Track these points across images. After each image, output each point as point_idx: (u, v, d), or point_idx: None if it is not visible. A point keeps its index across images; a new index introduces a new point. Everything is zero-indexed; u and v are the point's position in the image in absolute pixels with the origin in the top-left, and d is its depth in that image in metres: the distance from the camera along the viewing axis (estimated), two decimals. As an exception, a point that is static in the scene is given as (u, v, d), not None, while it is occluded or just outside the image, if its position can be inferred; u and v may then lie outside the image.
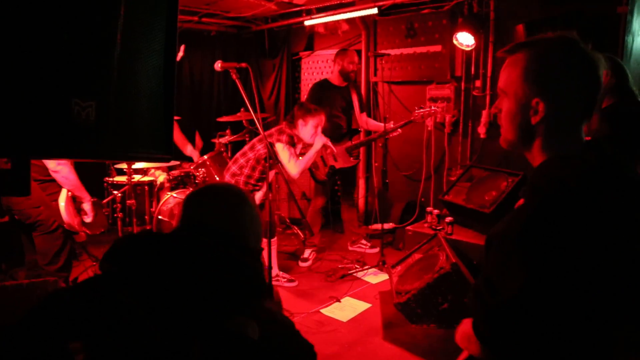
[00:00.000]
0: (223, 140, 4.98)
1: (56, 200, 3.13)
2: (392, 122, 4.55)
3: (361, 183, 5.74)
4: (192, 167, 4.64)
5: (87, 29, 0.94)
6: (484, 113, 4.70)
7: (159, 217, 4.46)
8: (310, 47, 6.37)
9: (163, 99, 1.12)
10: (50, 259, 3.11)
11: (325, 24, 5.91)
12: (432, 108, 4.39)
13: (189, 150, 4.80)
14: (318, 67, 6.33)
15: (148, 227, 4.80)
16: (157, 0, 1.04)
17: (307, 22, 5.78)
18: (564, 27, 3.70)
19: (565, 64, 1.11)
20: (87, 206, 3.26)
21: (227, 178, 3.88)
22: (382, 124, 4.49)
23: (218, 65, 2.75)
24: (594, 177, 1.04)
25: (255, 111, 2.68)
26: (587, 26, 3.77)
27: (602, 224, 0.99)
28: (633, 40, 4.09)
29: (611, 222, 1.00)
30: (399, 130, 4.48)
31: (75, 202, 3.24)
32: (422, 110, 4.38)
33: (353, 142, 4.67)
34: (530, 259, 0.99)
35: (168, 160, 1.10)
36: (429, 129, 5.12)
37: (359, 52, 5.73)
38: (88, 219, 3.29)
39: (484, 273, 1.13)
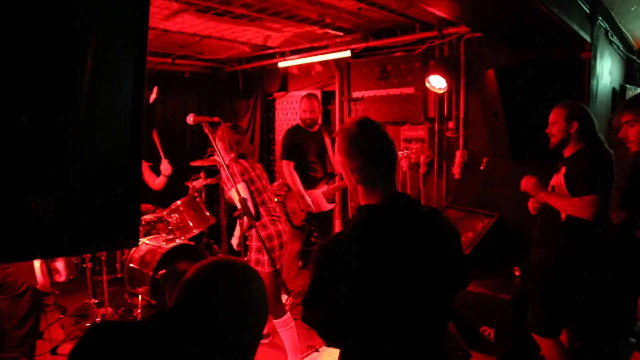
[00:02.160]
0: (197, 184, 4.89)
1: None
2: None
3: (337, 223, 5.70)
4: (165, 213, 4.52)
5: (47, 109, 0.89)
6: (458, 153, 4.75)
7: (130, 265, 4.32)
8: (284, 88, 6.40)
9: (128, 179, 1.06)
10: (16, 323, 2.91)
11: (299, 66, 5.96)
12: (405, 151, 4.45)
13: (163, 166, 4.55)
14: (292, 107, 6.35)
15: (119, 276, 4.64)
16: (122, 83, 1.00)
17: (281, 64, 5.83)
18: (532, 72, 3.81)
19: (358, 145, 1.51)
20: (60, 265, 3.10)
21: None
22: None
23: (190, 119, 2.69)
24: (366, 226, 1.43)
25: (228, 166, 2.62)
26: (553, 72, 3.88)
27: (356, 257, 1.38)
28: (598, 84, 4.23)
29: (364, 254, 1.38)
30: None
31: (47, 261, 3.07)
32: None
33: (329, 187, 4.65)
34: (311, 277, 1.45)
35: (136, 245, 1.04)
36: (404, 169, 5.14)
37: (332, 93, 5.79)
38: (61, 278, 3.12)
39: None
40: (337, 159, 1.57)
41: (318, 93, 5.88)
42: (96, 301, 3.96)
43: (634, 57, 5.78)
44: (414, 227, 1.47)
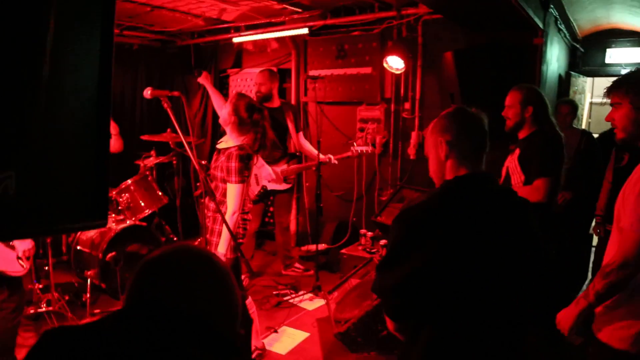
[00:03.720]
0: (148, 162, 4.69)
1: None
2: (330, 155, 4.53)
3: (292, 204, 5.66)
4: (114, 192, 4.32)
5: (6, 70, 0.79)
6: (413, 134, 4.81)
7: (78, 247, 4.11)
8: (238, 65, 6.23)
9: (95, 152, 0.97)
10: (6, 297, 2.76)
11: (254, 42, 5.81)
12: (370, 148, 4.51)
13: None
14: (247, 84, 6.19)
15: (64, 259, 4.42)
16: (89, 46, 0.90)
17: (236, 39, 5.66)
18: (488, 55, 3.87)
19: (454, 118, 1.58)
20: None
21: None
22: (316, 150, 4.43)
23: (147, 93, 2.54)
24: (447, 191, 1.49)
25: (191, 148, 2.49)
26: (508, 55, 3.97)
27: (438, 224, 1.39)
28: (547, 69, 4.37)
29: (446, 223, 1.39)
30: (336, 161, 4.51)
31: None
32: (359, 148, 4.46)
33: (289, 167, 4.58)
34: (390, 240, 1.49)
35: (104, 225, 0.96)
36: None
37: (289, 71, 5.69)
38: (19, 253, 2.91)
39: None
40: (427, 141, 1.62)
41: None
42: (41, 286, 3.74)
43: (578, 46, 6.03)
44: (506, 204, 1.49)
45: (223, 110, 2.95)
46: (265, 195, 4.58)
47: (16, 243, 2.87)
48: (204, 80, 3.86)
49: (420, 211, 1.43)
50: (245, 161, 2.81)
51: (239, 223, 2.96)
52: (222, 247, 2.80)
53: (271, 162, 4.49)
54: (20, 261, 2.82)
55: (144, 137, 4.72)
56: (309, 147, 4.72)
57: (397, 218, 1.45)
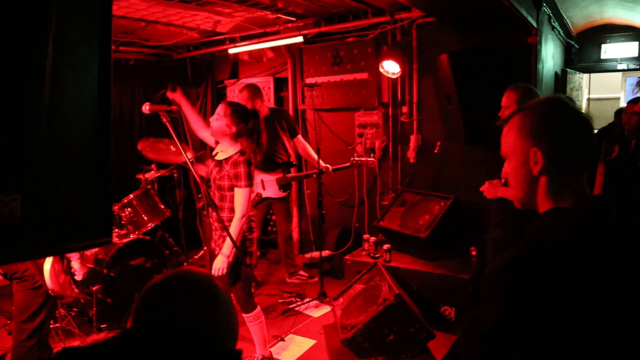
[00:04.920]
0: (149, 175, 4.71)
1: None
2: (328, 165, 4.51)
3: (294, 211, 5.67)
4: (117, 207, 4.33)
5: (8, 97, 0.80)
6: (412, 138, 4.82)
7: (81, 263, 4.11)
8: (235, 75, 6.26)
9: (98, 171, 0.99)
10: (27, 317, 2.80)
11: (250, 52, 5.84)
12: (371, 159, 4.44)
13: None
14: (244, 94, 6.21)
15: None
16: (87, 67, 0.91)
17: (231, 50, 5.69)
18: (483, 56, 3.89)
19: (554, 118, 1.16)
20: (76, 264, 2.98)
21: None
22: (316, 155, 4.42)
23: (146, 108, 2.57)
24: (573, 234, 1.06)
25: (191, 162, 2.51)
26: (502, 56, 3.99)
27: (568, 280, 1.01)
28: (543, 68, 4.39)
29: (579, 278, 1.02)
30: (332, 171, 4.49)
31: (63, 263, 2.96)
32: (360, 158, 4.42)
33: (286, 176, 4.57)
34: (494, 303, 1.05)
35: (109, 243, 0.97)
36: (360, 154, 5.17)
37: (285, 80, 5.72)
38: (79, 277, 2.99)
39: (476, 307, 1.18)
40: (508, 141, 1.20)
41: (270, 80, 5.80)
42: (46, 303, 3.74)
43: (573, 43, 6.06)
44: (629, 248, 1.11)
45: (215, 123, 2.92)
46: (260, 202, 4.57)
47: (75, 265, 2.96)
48: (179, 97, 3.21)
49: (531, 264, 1.03)
50: (251, 165, 2.85)
51: (246, 228, 2.97)
52: (226, 249, 2.82)
53: (265, 170, 4.49)
54: (72, 286, 2.88)
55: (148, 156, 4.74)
56: (310, 151, 4.69)
57: (494, 275, 1.08)
